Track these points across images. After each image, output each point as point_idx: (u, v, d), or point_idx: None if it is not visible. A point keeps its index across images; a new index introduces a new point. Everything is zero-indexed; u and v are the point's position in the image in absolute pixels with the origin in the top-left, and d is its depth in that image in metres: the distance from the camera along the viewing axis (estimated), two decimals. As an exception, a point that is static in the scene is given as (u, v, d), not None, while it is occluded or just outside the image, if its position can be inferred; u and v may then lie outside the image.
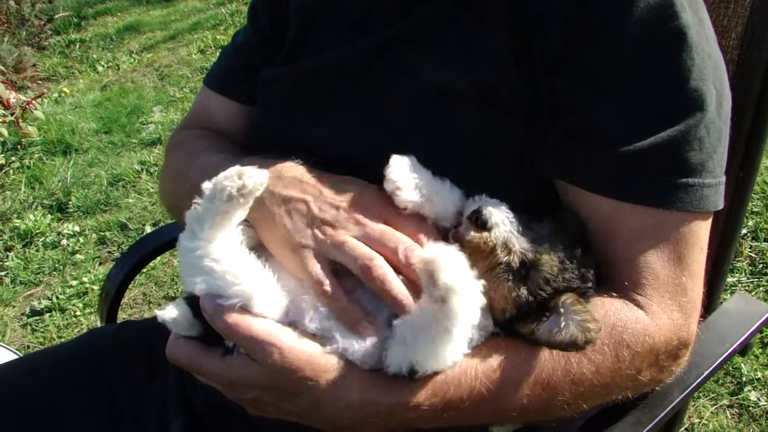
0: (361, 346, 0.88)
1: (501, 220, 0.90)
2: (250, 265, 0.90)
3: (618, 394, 0.97)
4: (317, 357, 0.87)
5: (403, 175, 0.93)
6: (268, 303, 0.89)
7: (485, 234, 0.90)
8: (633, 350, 0.92)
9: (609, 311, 0.93)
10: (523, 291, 0.88)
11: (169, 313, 0.92)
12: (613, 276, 0.95)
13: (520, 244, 0.90)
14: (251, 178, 0.88)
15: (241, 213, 0.90)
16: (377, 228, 0.91)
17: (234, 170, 0.88)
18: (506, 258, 0.89)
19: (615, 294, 0.95)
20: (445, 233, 0.96)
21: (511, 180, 1.00)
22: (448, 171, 0.97)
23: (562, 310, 0.86)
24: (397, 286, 0.89)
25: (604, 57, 0.94)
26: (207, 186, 0.89)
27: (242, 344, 0.87)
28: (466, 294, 0.81)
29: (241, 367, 0.88)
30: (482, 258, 0.90)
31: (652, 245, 0.95)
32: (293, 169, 1.00)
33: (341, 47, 1.15)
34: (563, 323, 0.85)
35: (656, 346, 0.94)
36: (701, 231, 0.98)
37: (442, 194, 0.95)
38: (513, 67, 0.98)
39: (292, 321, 0.90)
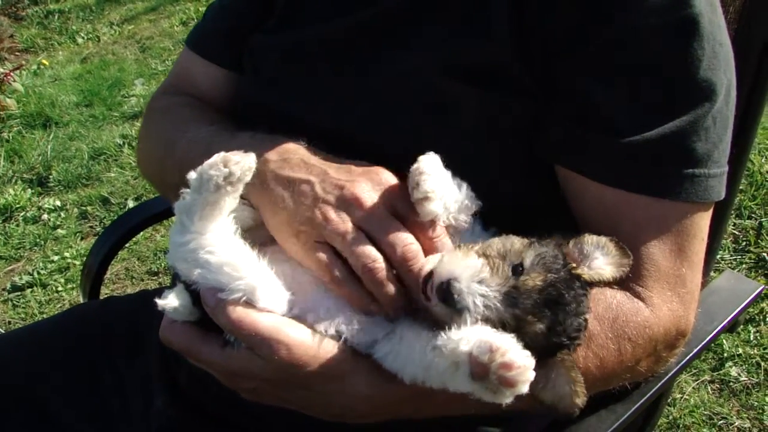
0: (362, 330, 0.86)
1: (472, 302, 0.78)
2: (247, 255, 0.86)
3: (616, 384, 0.98)
4: (325, 351, 0.84)
5: (433, 187, 0.86)
6: (270, 295, 0.85)
7: (457, 319, 0.79)
8: (634, 343, 0.92)
9: (611, 304, 0.92)
10: None
11: (170, 302, 0.88)
12: None
13: (499, 315, 0.79)
14: (238, 164, 0.83)
15: (232, 200, 0.86)
16: (381, 221, 0.86)
17: (219, 158, 0.83)
18: None
19: (615, 285, 0.93)
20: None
21: (504, 164, 0.99)
22: (436, 151, 0.93)
23: (556, 370, 0.81)
24: (389, 292, 0.85)
25: (614, 43, 0.92)
26: (192, 176, 0.84)
27: (246, 341, 0.83)
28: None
29: (243, 361, 0.85)
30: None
31: (654, 236, 0.94)
32: (299, 150, 0.96)
33: (332, 21, 1.12)
34: (551, 383, 0.81)
35: (655, 337, 0.94)
36: (702, 222, 0.97)
37: (458, 202, 0.91)
38: (511, 47, 0.95)
39: (295, 313, 0.87)
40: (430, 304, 0.82)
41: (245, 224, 0.93)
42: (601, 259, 0.87)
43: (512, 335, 0.76)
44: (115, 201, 3.67)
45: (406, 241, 0.86)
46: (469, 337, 0.77)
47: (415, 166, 0.87)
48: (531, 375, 0.74)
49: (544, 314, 0.79)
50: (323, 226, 0.86)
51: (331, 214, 0.87)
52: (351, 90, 1.06)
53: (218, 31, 1.31)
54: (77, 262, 3.26)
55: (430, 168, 0.87)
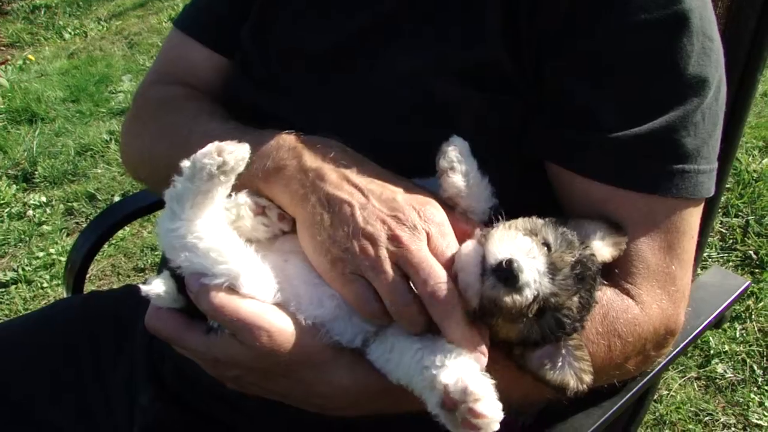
0: (350, 330, 0.86)
1: (533, 279, 0.77)
2: (235, 243, 0.86)
3: (604, 382, 0.97)
4: (307, 339, 0.84)
5: (460, 158, 0.89)
6: (255, 283, 0.85)
7: (517, 298, 0.77)
8: (624, 340, 0.92)
9: (601, 300, 0.91)
10: (534, 329, 0.81)
11: (155, 288, 0.87)
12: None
13: (545, 292, 0.78)
14: (231, 154, 0.83)
15: (224, 190, 0.86)
16: (416, 258, 0.83)
17: (213, 147, 0.83)
18: (529, 307, 0.79)
19: (605, 282, 0.93)
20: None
21: (497, 162, 0.98)
22: (434, 151, 0.92)
23: (563, 350, 0.83)
24: (418, 328, 0.84)
25: (604, 39, 0.92)
26: (185, 164, 0.84)
27: (228, 326, 0.83)
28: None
29: (226, 348, 0.85)
30: (504, 313, 0.80)
31: (643, 233, 0.94)
32: (339, 162, 0.92)
33: (329, 22, 1.10)
34: (559, 363, 0.82)
35: (645, 335, 0.94)
36: (692, 218, 0.97)
37: (479, 189, 0.90)
38: (504, 48, 0.95)
39: (279, 302, 0.86)
40: (491, 295, 0.78)
41: (255, 239, 0.92)
42: (599, 238, 0.89)
43: (492, 382, 0.77)
44: (102, 197, 3.64)
45: (439, 279, 0.82)
46: (453, 369, 0.78)
47: (446, 142, 0.90)
48: (495, 427, 0.75)
49: (577, 289, 0.80)
50: (361, 260, 0.84)
51: (370, 249, 0.84)
52: (350, 92, 1.05)
53: (217, 16, 1.25)
54: (63, 259, 3.23)
55: (460, 144, 0.90)
